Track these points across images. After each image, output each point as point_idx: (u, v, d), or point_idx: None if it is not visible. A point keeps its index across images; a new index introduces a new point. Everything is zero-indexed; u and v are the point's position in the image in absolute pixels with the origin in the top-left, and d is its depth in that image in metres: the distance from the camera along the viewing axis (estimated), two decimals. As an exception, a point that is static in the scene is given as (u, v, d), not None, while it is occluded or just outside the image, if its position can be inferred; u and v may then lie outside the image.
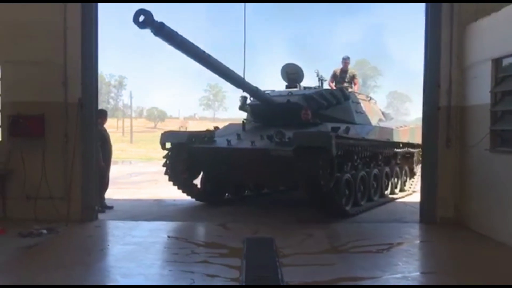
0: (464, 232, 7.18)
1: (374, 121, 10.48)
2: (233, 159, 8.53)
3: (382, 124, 10.73)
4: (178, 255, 5.88)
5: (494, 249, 6.26)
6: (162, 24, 6.53)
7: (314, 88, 10.08)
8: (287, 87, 10.16)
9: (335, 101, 9.46)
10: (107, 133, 9.13)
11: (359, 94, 10.80)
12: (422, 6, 7.85)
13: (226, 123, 10.47)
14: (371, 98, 11.41)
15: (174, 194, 10.03)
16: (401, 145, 10.92)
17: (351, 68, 11.87)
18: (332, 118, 9.12)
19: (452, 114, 7.57)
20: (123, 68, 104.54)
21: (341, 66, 11.64)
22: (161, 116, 78.76)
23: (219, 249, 6.14)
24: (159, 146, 9.46)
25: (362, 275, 5.10)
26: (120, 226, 7.53)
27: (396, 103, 78.18)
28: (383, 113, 11.91)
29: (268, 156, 8.00)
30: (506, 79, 6.62)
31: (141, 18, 6.24)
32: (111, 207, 8.89)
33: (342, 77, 11.47)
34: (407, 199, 10.77)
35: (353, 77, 11.58)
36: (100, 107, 8.46)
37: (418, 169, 12.19)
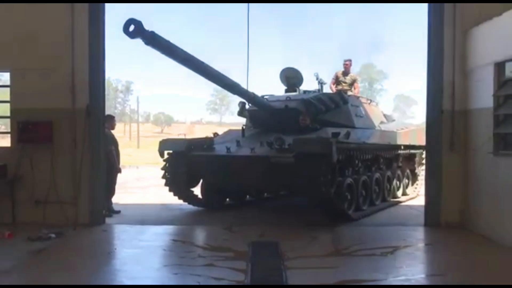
0: (468, 235, 7.21)
1: (375, 124, 10.43)
2: (233, 166, 8.38)
3: (383, 127, 10.67)
4: (184, 258, 5.95)
5: (499, 252, 6.28)
6: (153, 33, 6.41)
7: (314, 91, 10.03)
8: (286, 91, 10.14)
9: (334, 105, 9.36)
10: (115, 138, 9.25)
11: (359, 97, 10.72)
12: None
13: (233, 127, 10.47)
14: (371, 101, 11.37)
15: (180, 198, 10.09)
16: (402, 147, 10.86)
17: (353, 74, 11.86)
18: (331, 123, 9.03)
19: (456, 118, 7.61)
20: (130, 73, 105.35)
21: (342, 69, 11.62)
22: (168, 121, 79.11)
23: (225, 252, 6.21)
24: (165, 150, 9.35)
25: (366, 278, 5.15)
26: (127, 230, 7.63)
27: (402, 106, 77.99)
28: (384, 115, 11.85)
29: (268, 163, 7.91)
30: (509, 83, 6.67)
31: (131, 27, 6.12)
32: (118, 212, 8.99)
33: (343, 79, 11.48)
34: (411, 202, 10.78)
35: (354, 81, 11.58)
36: (107, 112, 8.58)
37: (419, 171, 12.24)
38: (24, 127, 7.61)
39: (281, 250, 6.21)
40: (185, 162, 8.85)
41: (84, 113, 7.66)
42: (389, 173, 10.49)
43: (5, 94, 7.96)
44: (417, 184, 12.12)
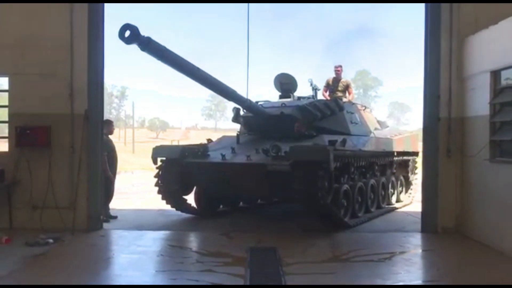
0: (465, 242, 7.25)
1: (369, 130, 10.42)
2: (228, 174, 8.21)
3: (377, 133, 10.66)
4: (183, 264, 5.96)
5: (495, 258, 6.32)
6: (149, 38, 6.32)
7: (308, 98, 10.00)
8: (280, 97, 10.12)
9: (330, 112, 9.29)
10: (112, 143, 9.23)
11: (353, 104, 10.69)
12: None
13: (228, 133, 10.38)
14: (366, 107, 11.36)
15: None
16: (396, 154, 10.87)
17: (345, 79, 11.61)
18: (327, 129, 8.99)
19: (452, 125, 7.68)
20: (125, 78, 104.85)
21: (333, 75, 11.42)
22: (163, 126, 79.03)
23: (223, 258, 6.22)
24: (160, 156, 9.17)
25: (364, 284, 5.19)
26: (125, 235, 7.62)
27: (397, 113, 78.50)
28: (378, 121, 11.84)
29: (264, 171, 7.80)
30: (505, 91, 6.75)
31: (127, 33, 6.04)
32: (115, 217, 8.96)
33: (335, 86, 11.27)
34: (407, 209, 10.83)
35: (347, 86, 11.35)
36: (103, 117, 8.53)
37: (413, 178, 12.29)
38: (22, 132, 7.59)
39: (279, 256, 6.23)
40: (179, 169, 8.68)
41: (82, 118, 7.66)
42: (383, 179, 10.52)
43: (3, 98, 7.96)
44: (411, 190, 12.17)
